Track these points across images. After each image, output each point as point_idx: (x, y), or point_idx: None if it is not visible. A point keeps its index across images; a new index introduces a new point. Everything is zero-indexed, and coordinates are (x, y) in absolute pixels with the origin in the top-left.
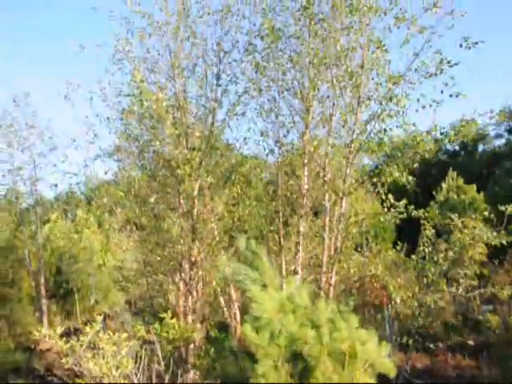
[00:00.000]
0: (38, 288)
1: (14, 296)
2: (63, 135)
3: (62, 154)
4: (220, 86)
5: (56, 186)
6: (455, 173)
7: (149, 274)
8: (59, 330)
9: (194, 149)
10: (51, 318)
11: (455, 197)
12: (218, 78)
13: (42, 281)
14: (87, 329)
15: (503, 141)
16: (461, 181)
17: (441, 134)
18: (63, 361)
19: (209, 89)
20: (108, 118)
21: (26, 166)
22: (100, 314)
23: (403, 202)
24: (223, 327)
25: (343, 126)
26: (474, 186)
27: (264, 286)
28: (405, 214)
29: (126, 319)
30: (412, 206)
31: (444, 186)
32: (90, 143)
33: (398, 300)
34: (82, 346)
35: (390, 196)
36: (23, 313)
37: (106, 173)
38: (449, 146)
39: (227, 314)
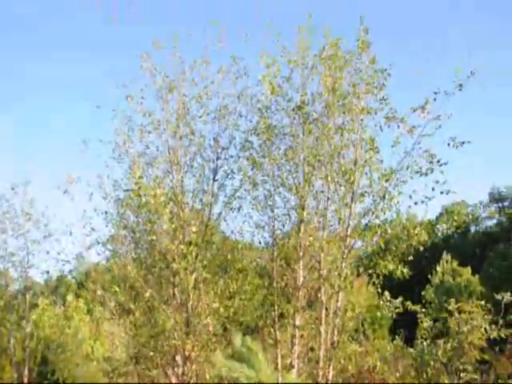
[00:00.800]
0: (19, 379)
1: None
2: (59, 222)
3: (56, 241)
4: (217, 180)
5: (48, 272)
6: (449, 255)
7: (140, 366)
8: None
9: (190, 243)
10: None
11: (451, 280)
12: (215, 173)
13: (26, 372)
14: None
15: (494, 221)
16: (455, 263)
17: (434, 224)
18: None
19: (206, 183)
20: (106, 212)
21: (19, 252)
22: None
23: (399, 299)
24: None
25: (338, 222)
26: (469, 269)
27: (260, 383)
28: (401, 308)
29: None
30: (408, 302)
31: (439, 269)
32: (87, 236)
33: None
34: None
35: (387, 293)
36: None
37: (98, 263)
38: (441, 228)
39: None
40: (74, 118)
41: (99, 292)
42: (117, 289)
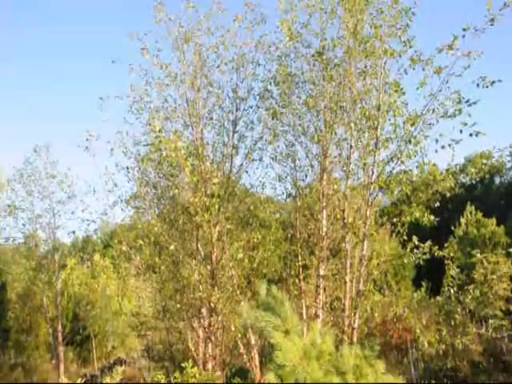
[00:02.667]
0: (55, 334)
1: (31, 343)
2: (82, 182)
3: (81, 201)
4: (237, 132)
5: (74, 232)
6: (473, 207)
7: (167, 320)
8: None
9: (212, 195)
10: (67, 365)
11: (475, 231)
12: (235, 124)
13: (60, 327)
14: (107, 379)
15: None
16: (479, 215)
17: (460, 170)
18: None
19: (226, 135)
20: (127, 168)
21: (46, 214)
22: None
23: (428, 243)
24: (242, 372)
25: (363, 168)
26: (494, 220)
27: (286, 332)
28: (428, 254)
29: (143, 365)
30: (436, 247)
31: (462, 220)
32: (109, 191)
33: (426, 343)
34: None
35: (415, 237)
36: (40, 360)
37: (122, 220)
38: (464, 180)
39: (246, 359)
40: (91, 76)
41: (124, 248)
42: (141, 242)
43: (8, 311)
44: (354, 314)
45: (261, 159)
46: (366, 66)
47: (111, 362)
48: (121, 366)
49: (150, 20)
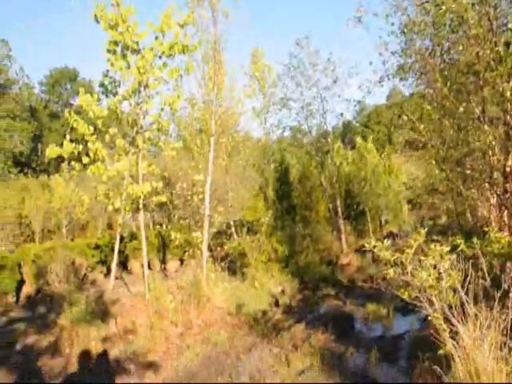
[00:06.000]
0: (334, 210)
1: (313, 218)
2: (345, 66)
3: (345, 84)
4: None
5: (342, 115)
6: None
7: (452, 189)
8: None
9: (507, 44)
10: (346, 236)
11: None
12: None
13: (338, 203)
14: (412, 242)
15: None
16: None
17: None
18: (388, 271)
19: None
20: (392, 32)
21: (314, 102)
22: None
23: None
24: None
25: None
26: None
27: None
28: None
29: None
30: None
31: None
32: (384, 64)
33: None
34: (407, 258)
35: None
36: (323, 232)
37: (391, 94)
38: None
39: None
40: None
41: (405, 117)
42: (428, 107)
43: (292, 191)
44: None
45: None
46: None
47: (384, 234)
48: (393, 239)
49: None
